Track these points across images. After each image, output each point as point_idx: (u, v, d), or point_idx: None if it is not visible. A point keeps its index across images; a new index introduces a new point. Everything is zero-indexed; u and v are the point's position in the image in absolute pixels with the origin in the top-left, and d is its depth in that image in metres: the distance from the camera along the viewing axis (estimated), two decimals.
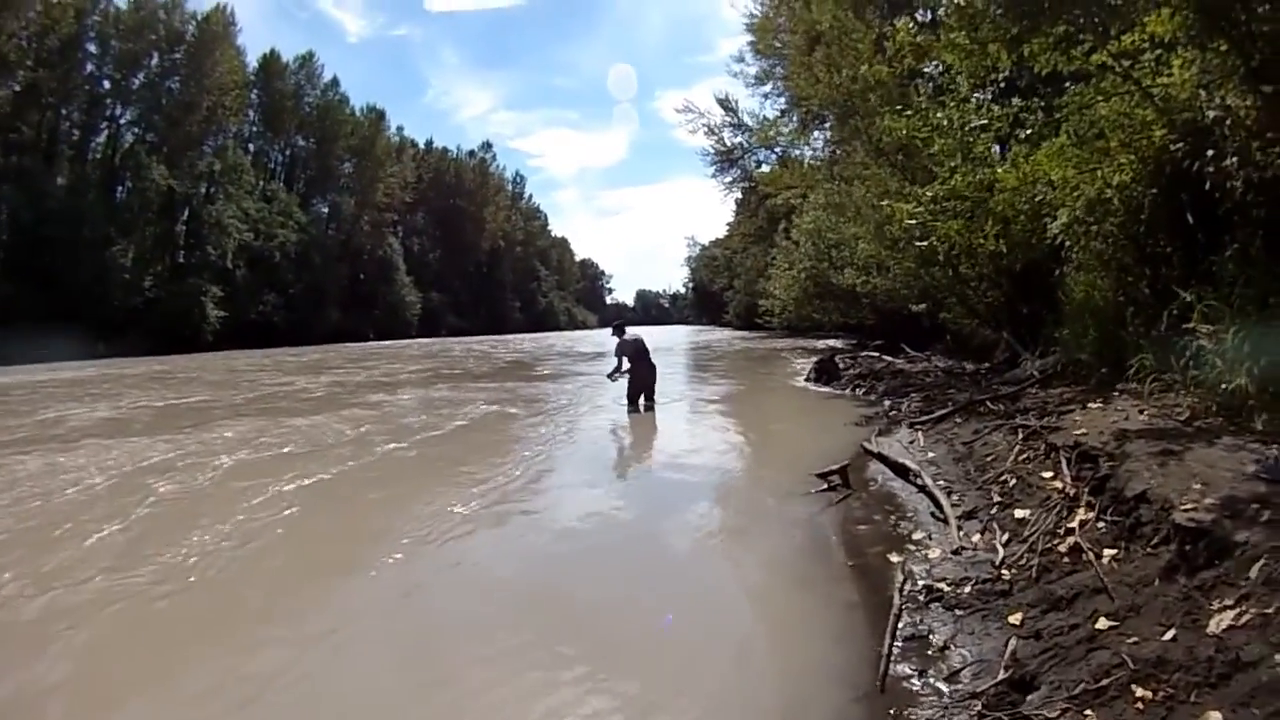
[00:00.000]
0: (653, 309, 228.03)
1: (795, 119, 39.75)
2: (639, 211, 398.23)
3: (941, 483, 7.50)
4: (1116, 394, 8.85)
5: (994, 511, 6.36)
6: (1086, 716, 3.32)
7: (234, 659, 4.74)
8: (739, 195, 62.12)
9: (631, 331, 16.12)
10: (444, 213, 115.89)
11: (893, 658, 4.25)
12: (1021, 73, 12.62)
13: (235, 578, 6.14)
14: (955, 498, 7.01)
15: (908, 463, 8.19)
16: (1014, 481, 6.83)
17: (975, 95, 13.36)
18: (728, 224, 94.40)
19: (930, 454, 9.16)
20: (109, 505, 8.29)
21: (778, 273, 42.60)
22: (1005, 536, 5.69)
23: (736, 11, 48.89)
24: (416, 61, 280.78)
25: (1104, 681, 3.46)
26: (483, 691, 4.30)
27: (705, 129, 50.73)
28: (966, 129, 13.27)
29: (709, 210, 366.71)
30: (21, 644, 4.95)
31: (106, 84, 65.13)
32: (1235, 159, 7.75)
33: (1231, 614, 3.52)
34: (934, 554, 5.71)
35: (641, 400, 15.62)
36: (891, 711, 3.84)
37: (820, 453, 9.96)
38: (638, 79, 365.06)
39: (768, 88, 45.69)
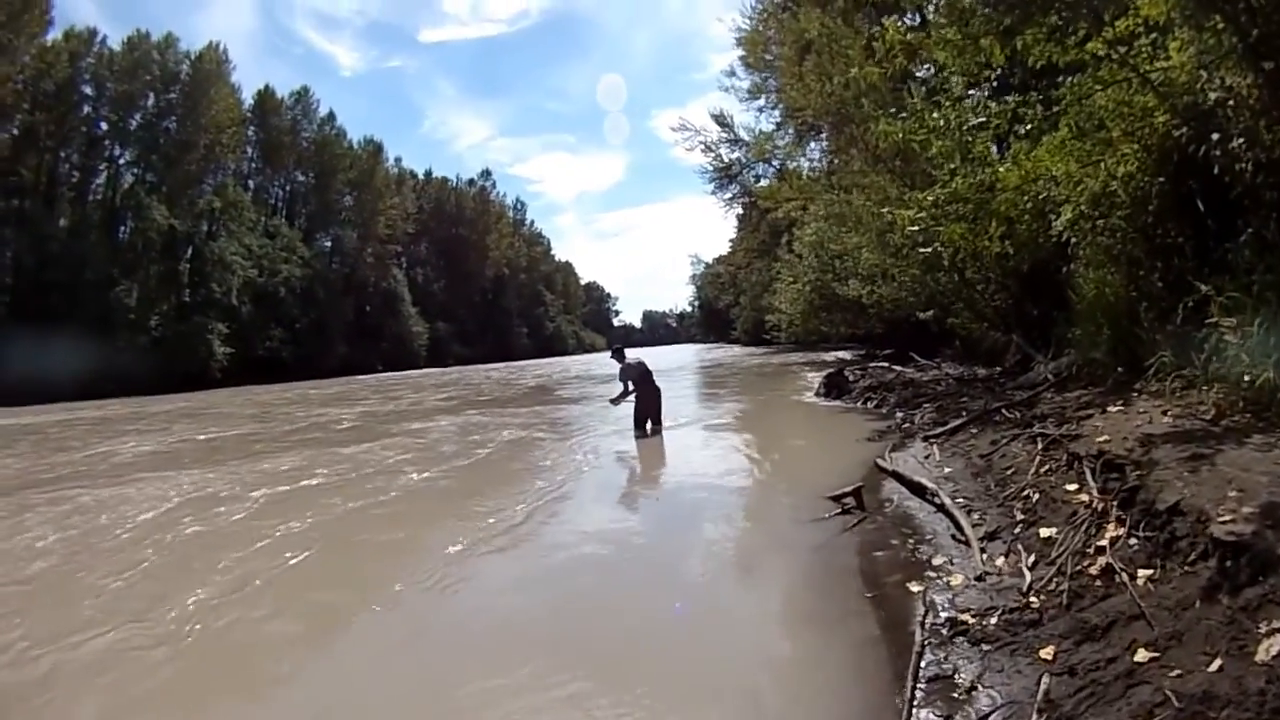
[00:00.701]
0: (660, 329, 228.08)
1: (791, 131, 39.64)
2: (641, 232, 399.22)
3: (960, 500, 7.13)
4: (1136, 394, 8.51)
5: (1018, 531, 5.99)
6: None
7: None
8: (740, 211, 62.38)
9: (633, 354, 15.84)
10: (447, 242, 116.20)
11: (915, 702, 3.90)
12: (1014, 69, 12.34)
13: (251, 631, 5.87)
14: (976, 517, 6.63)
15: (924, 481, 7.80)
16: (1037, 496, 6.45)
17: (971, 93, 13.03)
18: (730, 240, 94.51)
19: (947, 469, 8.81)
20: (135, 549, 8.23)
21: (782, 287, 42.36)
22: (1031, 559, 5.31)
23: (725, 27, 48.73)
24: (411, 93, 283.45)
25: None
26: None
27: (702, 146, 50.81)
28: (964, 128, 12.94)
29: (712, 227, 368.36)
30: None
31: (104, 125, 66.00)
32: (1242, 140, 7.44)
33: None
34: (956, 581, 5.33)
35: (648, 424, 15.27)
36: None
37: (833, 473, 9.64)
38: (631, 100, 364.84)
39: (761, 101, 45.51)
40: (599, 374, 14.79)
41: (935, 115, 13.24)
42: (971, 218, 13.26)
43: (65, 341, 48.81)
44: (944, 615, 4.77)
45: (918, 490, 7.83)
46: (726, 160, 51.50)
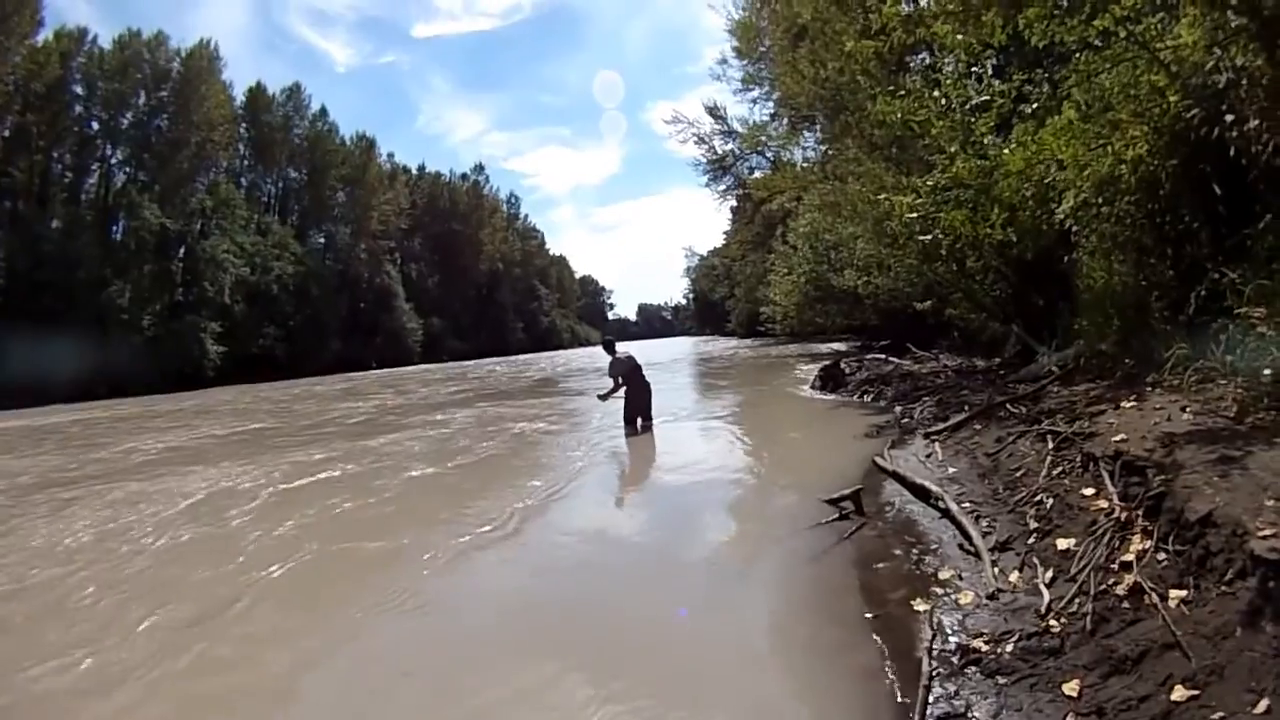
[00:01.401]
0: (655, 322, 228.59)
1: (785, 122, 39.28)
2: (636, 225, 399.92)
3: (967, 505, 6.63)
4: (1149, 388, 8.01)
5: (1032, 541, 5.48)
6: None
7: None
8: (734, 203, 62.63)
9: (622, 348, 15.41)
10: (441, 237, 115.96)
11: None
12: (1015, 50, 11.94)
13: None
14: (985, 524, 6.12)
15: (928, 484, 7.27)
16: (1051, 502, 5.95)
17: (974, 69, 12.56)
18: (725, 233, 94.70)
19: (951, 469, 8.29)
20: (174, 532, 9.03)
21: (777, 279, 42.21)
22: (1049, 574, 4.83)
23: (720, 19, 48.33)
24: (406, 88, 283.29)
25: None
26: None
27: (695, 138, 50.64)
28: (965, 108, 12.50)
29: (706, 220, 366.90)
30: None
31: (95, 125, 65.86)
32: (1259, 121, 7.00)
33: None
34: (966, 599, 4.85)
35: (639, 421, 14.89)
36: None
37: (829, 473, 9.28)
38: (626, 93, 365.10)
39: (755, 93, 45.23)
40: (601, 367, 14.81)
41: (936, 94, 12.79)
42: (972, 204, 12.79)
43: (58, 342, 48.74)
44: (953, 640, 4.32)
45: (921, 494, 7.30)
46: (720, 152, 51.31)
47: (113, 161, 67.73)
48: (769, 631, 5.26)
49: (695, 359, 50.91)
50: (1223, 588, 3.70)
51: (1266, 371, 5.91)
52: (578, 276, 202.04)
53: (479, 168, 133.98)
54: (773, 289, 44.02)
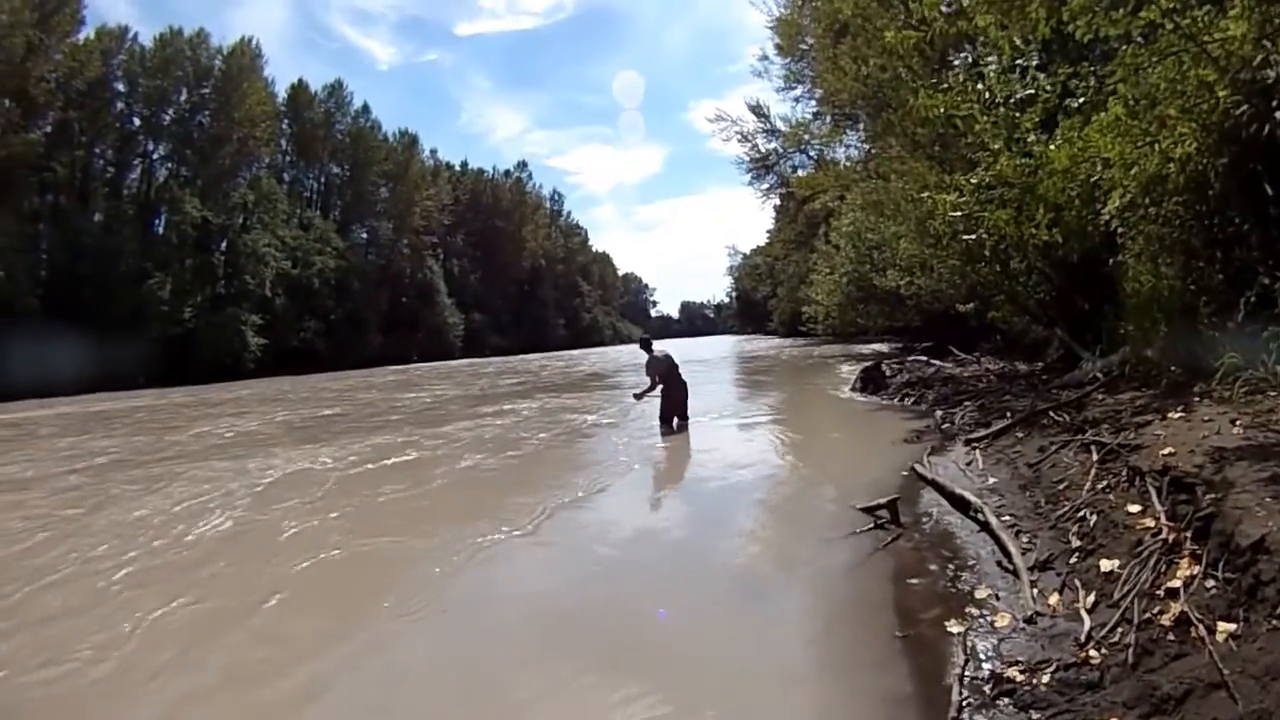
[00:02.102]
0: (697, 320, 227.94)
1: (827, 120, 38.97)
2: (679, 223, 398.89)
3: (1007, 518, 6.38)
4: (1196, 398, 7.74)
5: (1073, 561, 5.21)
6: None
7: None
8: (777, 202, 62.19)
9: (661, 346, 15.25)
10: (483, 233, 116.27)
11: None
12: (1059, 44, 11.64)
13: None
14: (1025, 540, 5.86)
15: (967, 494, 7.00)
16: (1094, 518, 5.66)
17: (1018, 62, 12.21)
18: (768, 231, 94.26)
19: (991, 479, 8.02)
20: (211, 534, 8.86)
21: (819, 278, 42.02)
22: (1091, 598, 4.55)
23: (761, 16, 47.83)
24: (448, 86, 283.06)
25: None
26: None
27: (739, 137, 50.26)
28: (1010, 101, 12.17)
29: (749, 219, 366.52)
30: None
31: (137, 121, 66.90)
32: None
33: None
34: (1002, 622, 4.57)
35: (675, 420, 14.74)
36: None
37: (867, 478, 9.02)
38: (668, 92, 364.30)
39: (798, 91, 44.78)
40: (644, 363, 15.03)
41: (980, 86, 12.47)
42: (1017, 203, 12.47)
43: (97, 333, 49.45)
44: (986, 668, 4.06)
45: (959, 504, 7.03)
46: (763, 150, 50.89)
47: (154, 157, 68.60)
48: (795, 646, 5.03)
49: (736, 358, 50.59)
50: (1274, 622, 3.45)
51: None
52: (620, 274, 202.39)
53: (521, 164, 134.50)
54: (815, 288, 43.88)
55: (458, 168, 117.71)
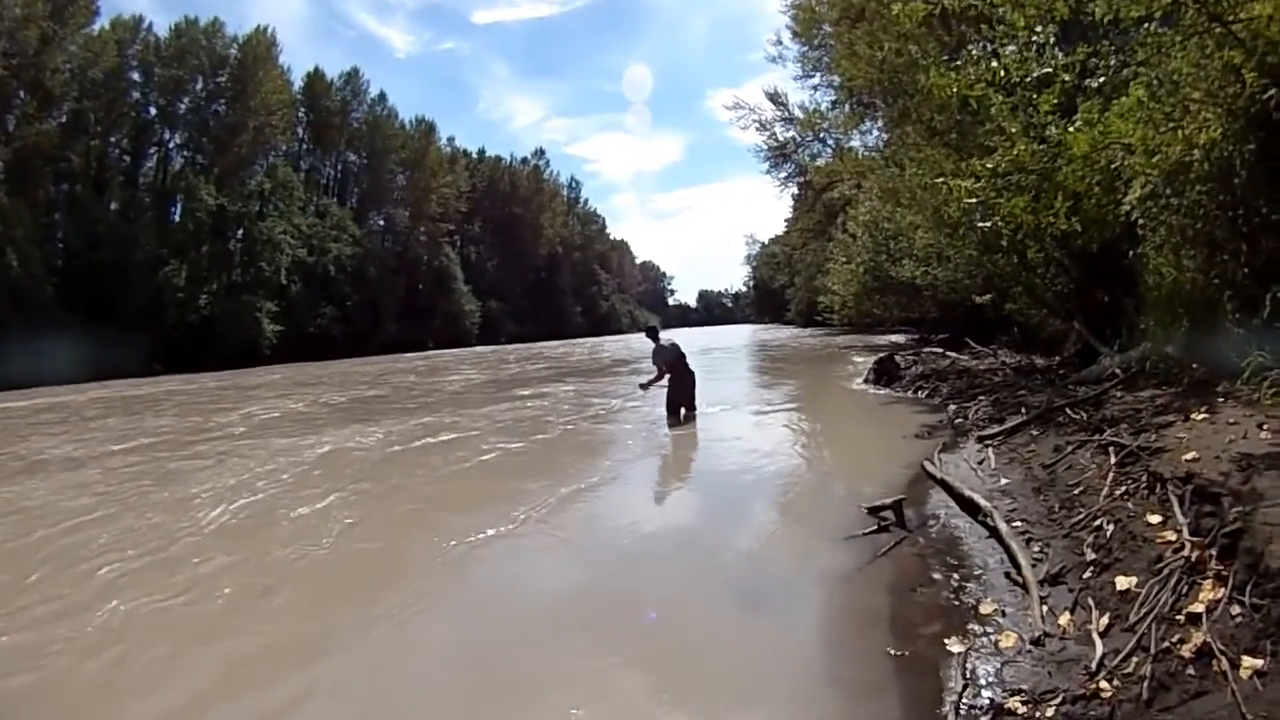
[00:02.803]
0: (715, 309, 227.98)
1: (845, 109, 38.72)
2: (697, 212, 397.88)
3: (1018, 524, 5.99)
4: (1220, 399, 7.35)
5: (1087, 576, 4.80)
6: None
7: None
8: (795, 190, 61.99)
9: (667, 335, 14.99)
10: (500, 221, 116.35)
11: None
12: (1077, 24, 11.24)
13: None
14: (1037, 548, 5.47)
15: (976, 497, 6.64)
16: (1111, 529, 5.24)
17: (1034, 39, 11.79)
18: (786, 220, 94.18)
19: (1003, 480, 7.62)
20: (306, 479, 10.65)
21: (836, 268, 41.71)
22: (1105, 620, 4.15)
23: (779, 1, 47.58)
24: (466, 74, 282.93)
25: None
26: None
27: (756, 125, 49.92)
28: (1028, 80, 11.74)
29: (768, 207, 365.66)
30: None
31: (153, 110, 67.24)
32: None
33: None
34: (1008, 643, 4.18)
35: (681, 411, 14.45)
36: None
37: (875, 475, 8.76)
38: (686, 80, 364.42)
39: (816, 79, 44.57)
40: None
41: (996, 64, 12.04)
42: (1034, 190, 12.06)
43: (115, 321, 49.96)
44: (986, 695, 3.70)
45: (969, 507, 6.68)
46: (781, 139, 50.51)
47: (170, 146, 69.15)
48: (782, 660, 4.65)
49: (752, 347, 50.56)
50: None
51: None
52: (638, 262, 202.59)
53: (539, 152, 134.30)
54: (831, 278, 43.60)
55: (475, 155, 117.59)
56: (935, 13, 11.50)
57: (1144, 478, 5.71)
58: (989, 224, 13.14)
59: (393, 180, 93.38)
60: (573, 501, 8.74)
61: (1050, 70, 10.98)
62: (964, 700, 3.67)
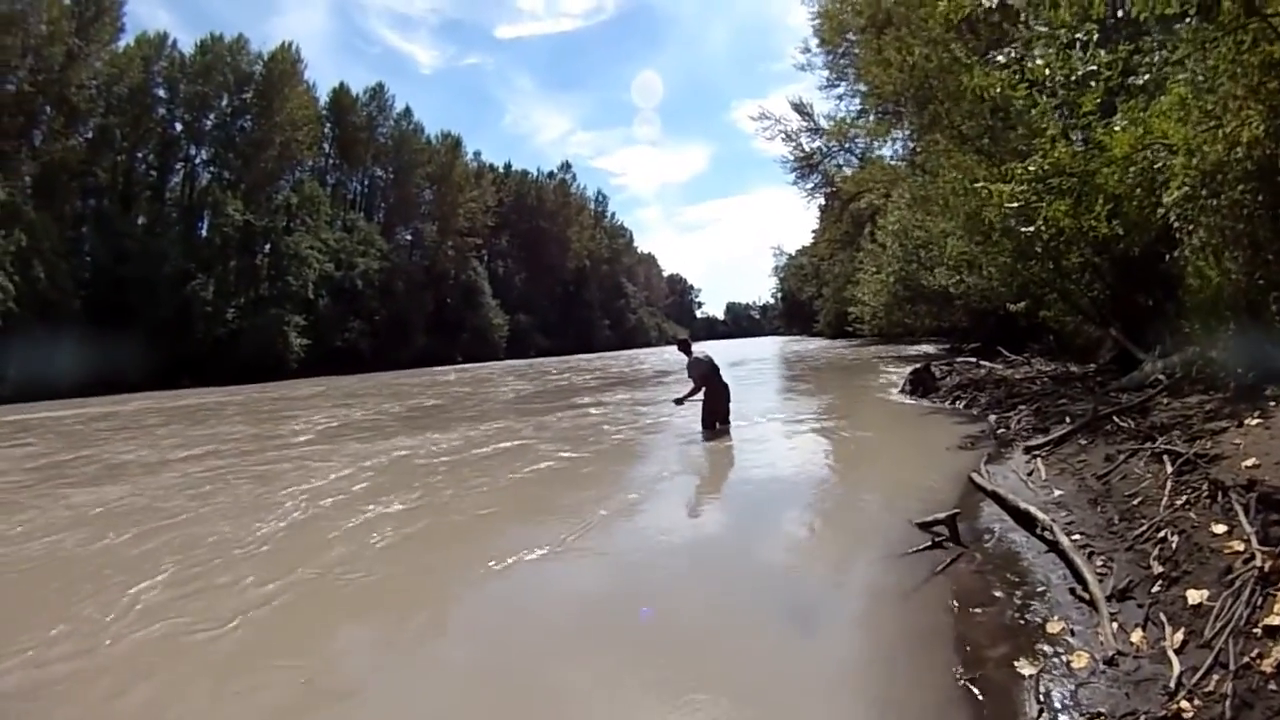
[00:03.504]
0: (743, 321, 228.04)
1: (871, 118, 38.65)
2: (724, 224, 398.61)
3: (1077, 537, 5.80)
4: (1272, 403, 7.20)
5: (1156, 590, 4.62)
6: None
7: None
8: (822, 201, 62.33)
9: (699, 348, 14.86)
10: (527, 235, 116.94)
11: None
12: (1114, 22, 11.12)
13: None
14: (1100, 563, 5.28)
15: (1033, 510, 6.38)
16: (1176, 540, 5.05)
17: (1077, 37, 11.61)
18: (813, 231, 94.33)
19: (1056, 491, 7.41)
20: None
21: (865, 278, 41.76)
22: (1179, 636, 3.99)
23: (803, 12, 47.83)
24: (491, 89, 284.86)
25: None
26: None
27: (783, 135, 50.30)
28: (1072, 79, 11.57)
29: (794, 219, 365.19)
30: None
31: (179, 126, 68.33)
32: None
33: None
34: (1080, 663, 4.02)
35: (717, 424, 14.28)
36: None
37: (921, 489, 8.56)
38: (710, 92, 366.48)
39: (841, 89, 44.65)
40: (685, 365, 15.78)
41: (1040, 62, 11.86)
42: (1076, 193, 11.89)
43: (143, 335, 50.80)
44: None
45: (1025, 521, 6.44)
46: (807, 149, 50.83)
47: (197, 161, 70.20)
48: (842, 686, 4.45)
49: (782, 359, 49.87)
50: None
51: None
52: (665, 275, 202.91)
53: (565, 166, 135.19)
54: (861, 288, 43.58)
55: (501, 169, 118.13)
56: (979, 12, 11.42)
57: (1204, 486, 5.55)
58: (1031, 228, 12.97)
59: (420, 195, 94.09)
60: (619, 517, 8.60)
61: (1094, 69, 10.84)
62: None
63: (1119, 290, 14.47)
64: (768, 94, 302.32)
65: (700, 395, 14.40)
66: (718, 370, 14.53)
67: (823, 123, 48.56)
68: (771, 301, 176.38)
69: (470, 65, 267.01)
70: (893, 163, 38.73)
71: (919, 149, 23.82)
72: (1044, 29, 11.23)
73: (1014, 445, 10.27)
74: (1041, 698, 3.78)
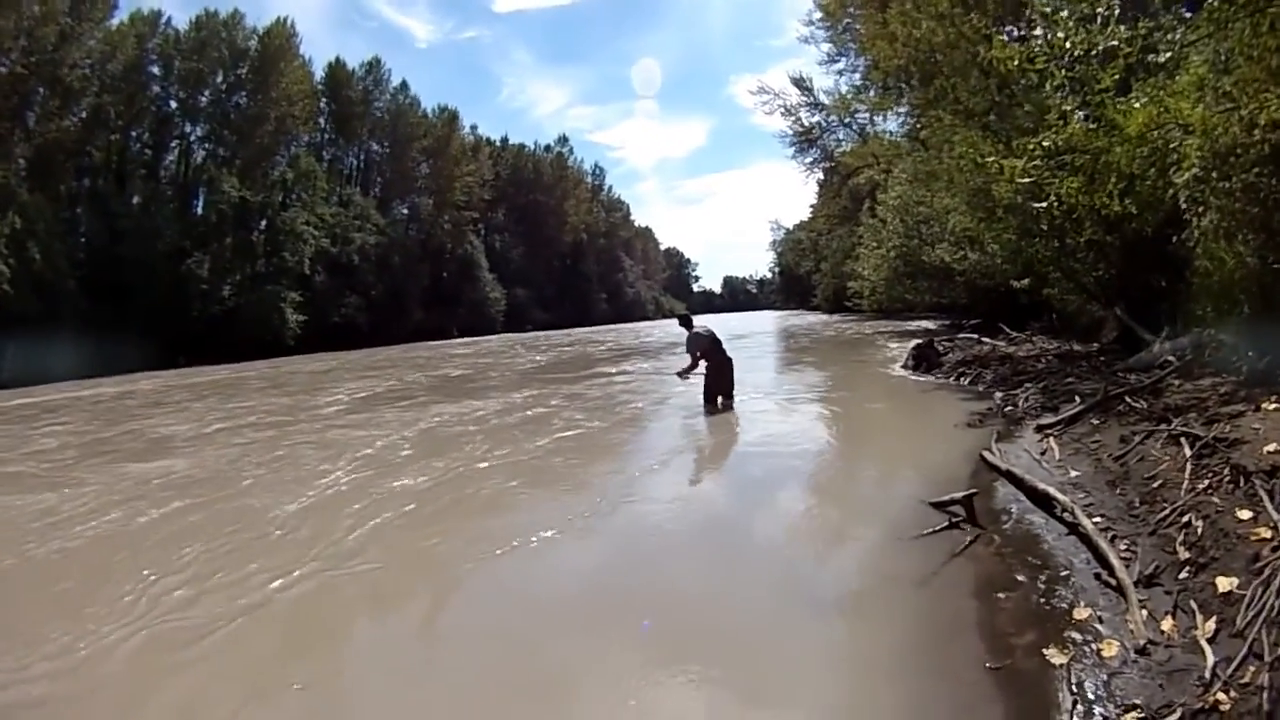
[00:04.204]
0: (740, 295, 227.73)
1: (873, 94, 38.56)
2: (721, 198, 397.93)
3: (1099, 519, 5.70)
4: None
5: (1184, 577, 4.54)
6: None
7: None
8: (821, 176, 62.75)
9: (700, 322, 14.82)
10: (524, 208, 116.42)
11: None
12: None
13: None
14: (1124, 546, 5.19)
15: (1053, 491, 6.31)
16: (1201, 525, 4.97)
17: (1098, 11, 11.47)
18: (811, 206, 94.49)
19: (1073, 472, 7.30)
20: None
21: (866, 253, 41.55)
22: (1211, 624, 3.92)
23: None
24: (488, 62, 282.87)
25: None
26: None
27: (782, 110, 50.43)
28: (1092, 54, 11.44)
29: (792, 193, 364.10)
30: None
31: (173, 103, 67.38)
32: None
33: None
34: (1110, 652, 3.94)
35: (719, 399, 14.22)
36: None
37: (932, 468, 8.50)
38: (710, 66, 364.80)
39: (841, 64, 44.66)
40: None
41: (1060, 34, 11.72)
42: (1088, 171, 11.78)
43: (139, 313, 50.48)
44: (1099, 712, 3.47)
45: (1042, 502, 6.37)
46: (807, 124, 51.04)
47: (192, 138, 69.32)
48: (865, 675, 4.34)
49: (782, 333, 50.07)
50: None
51: None
52: (663, 248, 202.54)
53: (563, 139, 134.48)
54: (860, 263, 43.41)
55: (498, 143, 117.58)
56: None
57: (1225, 470, 5.50)
58: (1043, 204, 12.86)
59: (416, 169, 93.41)
60: (624, 500, 8.45)
61: (1115, 44, 10.73)
62: (1076, 718, 3.49)
63: (1125, 270, 14.39)
64: (767, 69, 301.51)
65: (701, 369, 14.31)
66: (719, 344, 14.46)
67: (823, 98, 48.69)
68: (769, 276, 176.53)
69: (468, 39, 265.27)
70: (893, 138, 38.67)
71: (922, 124, 23.69)
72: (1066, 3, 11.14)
73: (1023, 424, 10.21)
74: (1074, 688, 3.70)
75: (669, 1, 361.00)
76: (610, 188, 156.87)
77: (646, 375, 20.99)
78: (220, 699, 4.44)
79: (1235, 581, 4.17)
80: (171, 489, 9.93)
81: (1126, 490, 6.30)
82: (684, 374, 14.61)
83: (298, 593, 5.98)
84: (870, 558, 6.22)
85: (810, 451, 10.65)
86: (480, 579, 6.33)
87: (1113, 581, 4.71)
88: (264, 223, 65.41)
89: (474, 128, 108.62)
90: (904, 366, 19.63)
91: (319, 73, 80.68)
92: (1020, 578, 5.19)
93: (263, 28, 70.95)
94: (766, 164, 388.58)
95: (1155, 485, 6.08)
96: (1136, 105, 10.37)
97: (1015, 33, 16.06)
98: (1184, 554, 4.79)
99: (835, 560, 6.37)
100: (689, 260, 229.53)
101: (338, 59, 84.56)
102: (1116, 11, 10.85)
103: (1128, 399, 9.24)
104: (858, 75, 42.35)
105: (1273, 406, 6.51)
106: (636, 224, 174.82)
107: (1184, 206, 9.94)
